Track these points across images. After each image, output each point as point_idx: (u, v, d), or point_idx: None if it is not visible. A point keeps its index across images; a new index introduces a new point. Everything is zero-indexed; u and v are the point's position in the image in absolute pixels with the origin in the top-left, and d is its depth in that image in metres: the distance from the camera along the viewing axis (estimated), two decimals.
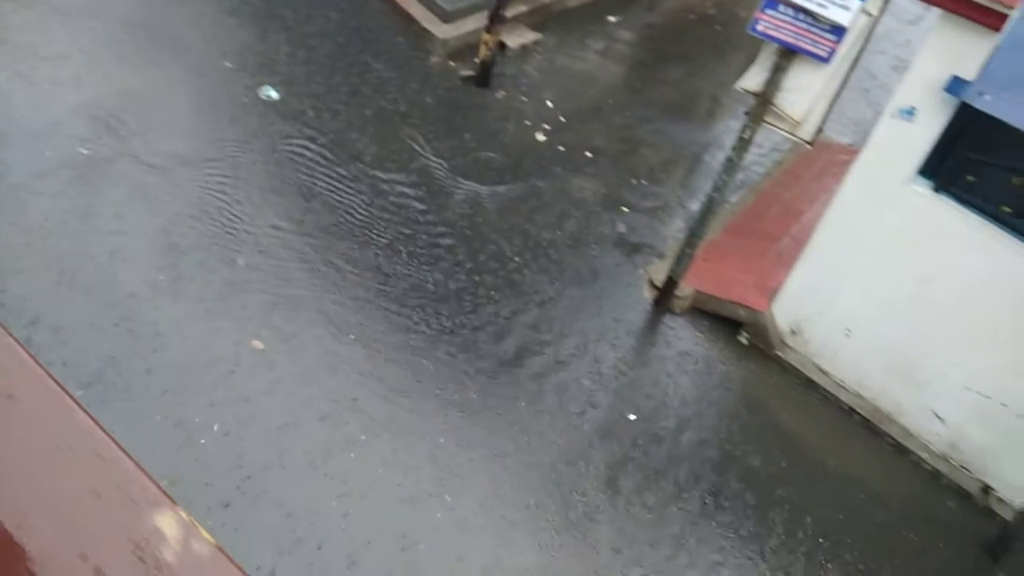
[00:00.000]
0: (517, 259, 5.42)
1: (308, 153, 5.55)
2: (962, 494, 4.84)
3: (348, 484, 3.83)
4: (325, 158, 5.55)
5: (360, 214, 5.27)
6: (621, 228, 6.01)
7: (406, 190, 5.56)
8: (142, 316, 4.13)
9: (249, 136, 5.47)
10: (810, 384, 5.25)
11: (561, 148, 6.51)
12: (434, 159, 5.92)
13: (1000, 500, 4.79)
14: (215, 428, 3.79)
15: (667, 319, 5.45)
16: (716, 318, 5.53)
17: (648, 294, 5.58)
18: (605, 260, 5.71)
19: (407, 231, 5.28)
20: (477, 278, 5.17)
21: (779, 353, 5.39)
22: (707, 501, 4.33)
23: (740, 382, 5.19)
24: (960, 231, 4.57)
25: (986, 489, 4.86)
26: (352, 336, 4.49)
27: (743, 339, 5.47)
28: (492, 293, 5.09)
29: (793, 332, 5.38)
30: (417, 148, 5.95)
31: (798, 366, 5.34)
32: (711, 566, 4.06)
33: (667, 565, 3.98)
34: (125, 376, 3.84)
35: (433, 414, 4.27)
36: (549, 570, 3.81)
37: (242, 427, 3.84)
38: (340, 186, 5.40)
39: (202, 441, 3.74)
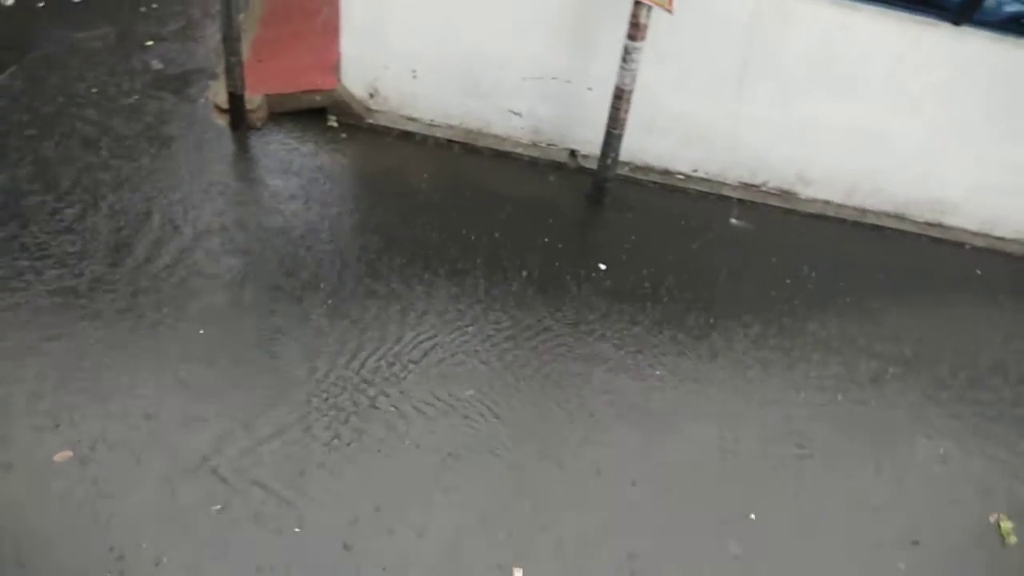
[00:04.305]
0: (58, 154, 4.65)
1: None
2: (558, 166, 5.58)
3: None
4: None
5: None
6: (156, 64, 5.38)
7: None
8: None
9: None
10: (407, 136, 5.47)
11: (40, 4, 5.44)
12: None
13: (585, 156, 5.61)
14: None
15: (251, 136, 5.19)
16: (298, 114, 5.39)
17: (220, 120, 5.21)
18: (156, 106, 5.14)
19: None
20: (23, 193, 4.38)
21: (370, 120, 5.47)
22: (366, 278, 4.48)
23: (346, 163, 5.23)
24: None
25: (573, 153, 5.65)
26: None
27: (332, 122, 5.44)
28: (48, 203, 4.38)
29: (372, 95, 5.45)
30: None
31: (391, 124, 5.49)
32: (410, 327, 4.32)
33: (362, 347, 4.14)
34: None
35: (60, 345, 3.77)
36: (267, 400, 3.79)
37: None
38: None
39: None
